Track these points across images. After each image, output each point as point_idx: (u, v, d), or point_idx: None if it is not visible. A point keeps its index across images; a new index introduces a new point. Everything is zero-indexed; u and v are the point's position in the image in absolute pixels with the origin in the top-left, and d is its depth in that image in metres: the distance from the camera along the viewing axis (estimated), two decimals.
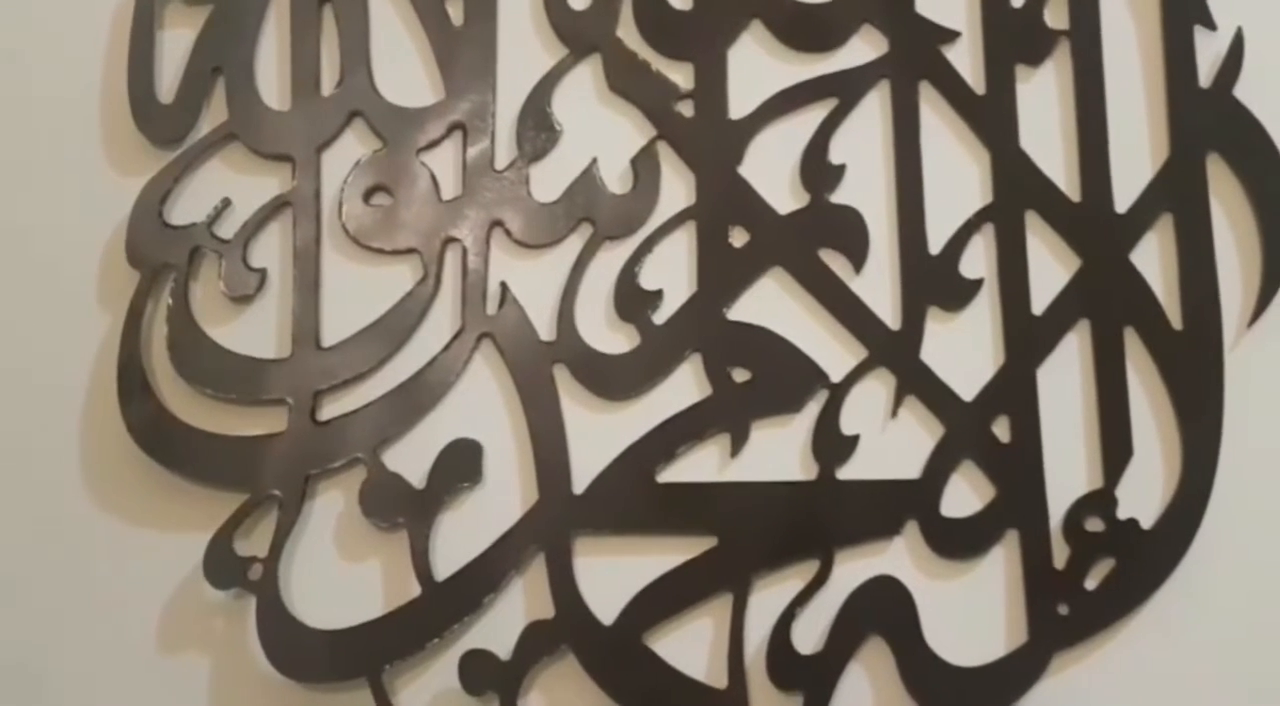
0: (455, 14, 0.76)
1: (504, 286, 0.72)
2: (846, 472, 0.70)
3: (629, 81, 0.75)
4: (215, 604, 0.69)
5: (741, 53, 0.75)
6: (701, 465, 0.70)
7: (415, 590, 0.68)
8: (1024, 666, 0.67)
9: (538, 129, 0.74)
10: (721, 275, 0.72)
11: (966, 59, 0.75)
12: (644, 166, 0.73)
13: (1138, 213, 0.72)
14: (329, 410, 0.71)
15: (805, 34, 0.75)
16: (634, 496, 0.69)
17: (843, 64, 0.75)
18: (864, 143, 0.74)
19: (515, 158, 0.74)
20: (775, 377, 0.71)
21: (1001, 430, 0.70)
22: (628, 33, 0.75)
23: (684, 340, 0.71)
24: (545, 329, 0.72)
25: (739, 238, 0.73)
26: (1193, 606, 0.68)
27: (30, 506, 0.72)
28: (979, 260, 0.72)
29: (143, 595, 0.70)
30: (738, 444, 0.70)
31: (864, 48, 0.75)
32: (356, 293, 0.73)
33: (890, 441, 0.70)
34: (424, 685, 0.68)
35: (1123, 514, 0.69)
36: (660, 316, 0.72)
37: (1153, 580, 0.68)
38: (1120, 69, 0.74)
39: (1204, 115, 0.73)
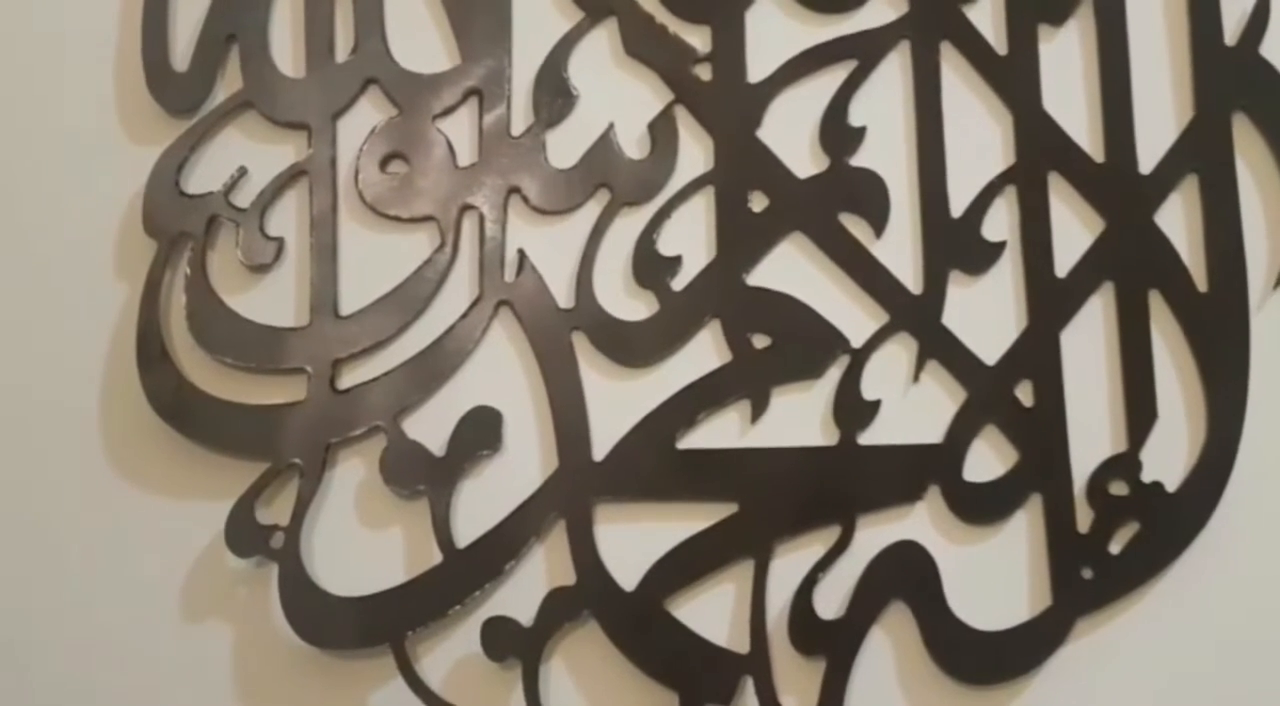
0: None
1: (522, 253, 0.72)
2: (868, 438, 0.69)
3: (646, 45, 0.74)
4: (237, 572, 0.70)
5: (759, 14, 0.74)
6: (722, 431, 0.70)
7: (436, 557, 0.68)
8: (1048, 631, 0.67)
9: (554, 94, 0.74)
10: (741, 240, 0.72)
11: (988, 18, 0.74)
12: (661, 131, 0.73)
13: (1162, 173, 0.71)
14: (348, 378, 0.71)
15: None
16: (654, 463, 0.69)
17: (862, 24, 0.74)
18: (884, 105, 0.73)
19: (532, 123, 0.73)
20: (796, 343, 0.70)
21: (1025, 394, 0.70)
22: None
23: (703, 306, 0.71)
24: (563, 296, 0.72)
25: (758, 202, 0.72)
26: (1218, 570, 0.67)
27: (51, 477, 0.72)
28: (1001, 223, 0.72)
29: (165, 564, 0.70)
30: (758, 410, 0.70)
31: (884, 8, 0.74)
32: (374, 261, 0.72)
33: (912, 406, 0.70)
34: (446, 651, 0.68)
35: (1147, 477, 0.68)
36: (679, 283, 0.71)
37: (1178, 544, 0.67)
38: (1144, 27, 0.73)
39: (1229, 74, 0.72)
